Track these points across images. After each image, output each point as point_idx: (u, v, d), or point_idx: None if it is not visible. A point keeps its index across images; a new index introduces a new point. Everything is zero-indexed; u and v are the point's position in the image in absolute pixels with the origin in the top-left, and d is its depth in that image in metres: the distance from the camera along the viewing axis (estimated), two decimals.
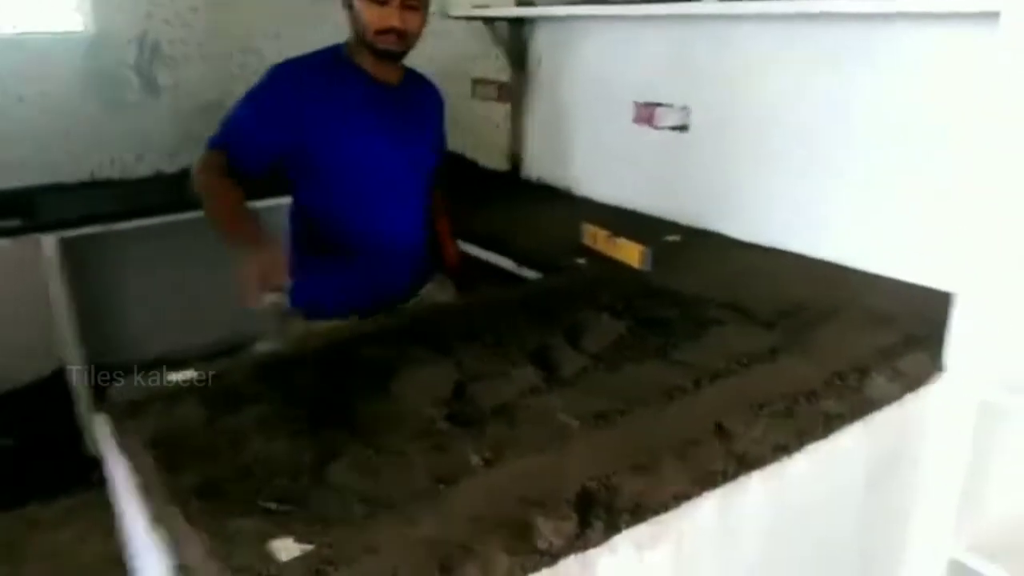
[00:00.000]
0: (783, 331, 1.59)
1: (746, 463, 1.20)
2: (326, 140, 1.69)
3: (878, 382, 1.41)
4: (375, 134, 1.74)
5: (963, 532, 1.55)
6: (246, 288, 1.39)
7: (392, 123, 1.78)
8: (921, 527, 1.58)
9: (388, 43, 1.69)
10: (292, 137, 1.67)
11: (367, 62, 1.76)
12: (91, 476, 2.60)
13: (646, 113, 2.44)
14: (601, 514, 1.05)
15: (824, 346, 1.51)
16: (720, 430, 1.23)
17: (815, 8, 1.81)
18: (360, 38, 1.71)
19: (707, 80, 2.28)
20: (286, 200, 1.89)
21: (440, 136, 2.00)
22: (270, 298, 1.40)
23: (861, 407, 1.37)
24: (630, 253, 1.92)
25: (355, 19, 1.70)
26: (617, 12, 2.32)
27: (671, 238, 2.25)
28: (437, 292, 1.97)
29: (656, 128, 2.43)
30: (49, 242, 2.47)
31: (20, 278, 2.67)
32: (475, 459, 1.13)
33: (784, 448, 1.25)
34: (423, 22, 1.72)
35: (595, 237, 2.08)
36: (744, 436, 1.23)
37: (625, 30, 2.53)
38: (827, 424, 1.31)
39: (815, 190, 2.05)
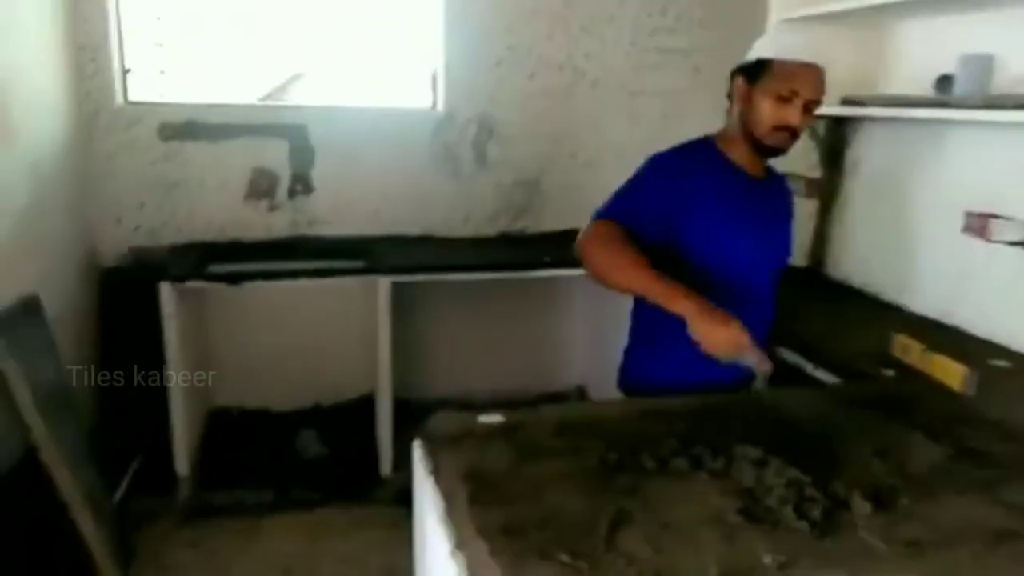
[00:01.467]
0: None
1: None
2: (696, 230, 1.71)
3: None
4: (742, 227, 1.75)
5: None
6: (719, 344, 1.52)
7: (757, 217, 1.78)
8: None
9: (779, 141, 1.70)
10: (666, 225, 1.70)
11: (740, 155, 1.77)
12: (380, 494, 2.93)
13: (979, 224, 2.25)
14: None
15: None
16: None
17: None
18: (747, 131, 1.72)
19: None
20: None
21: (791, 233, 1.96)
22: (747, 360, 1.55)
23: None
24: (950, 373, 1.76)
25: (747, 112, 1.71)
26: (959, 117, 2.18)
27: (998, 363, 2.03)
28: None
29: (990, 241, 2.22)
30: (384, 284, 2.86)
31: (357, 311, 3.12)
32: (768, 560, 1.11)
33: None
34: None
35: (908, 349, 1.94)
36: None
37: (965, 136, 2.36)
38: None
39: None
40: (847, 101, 2.59)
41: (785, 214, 1.91)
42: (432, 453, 1.48)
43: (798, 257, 3.11)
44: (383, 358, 2.92)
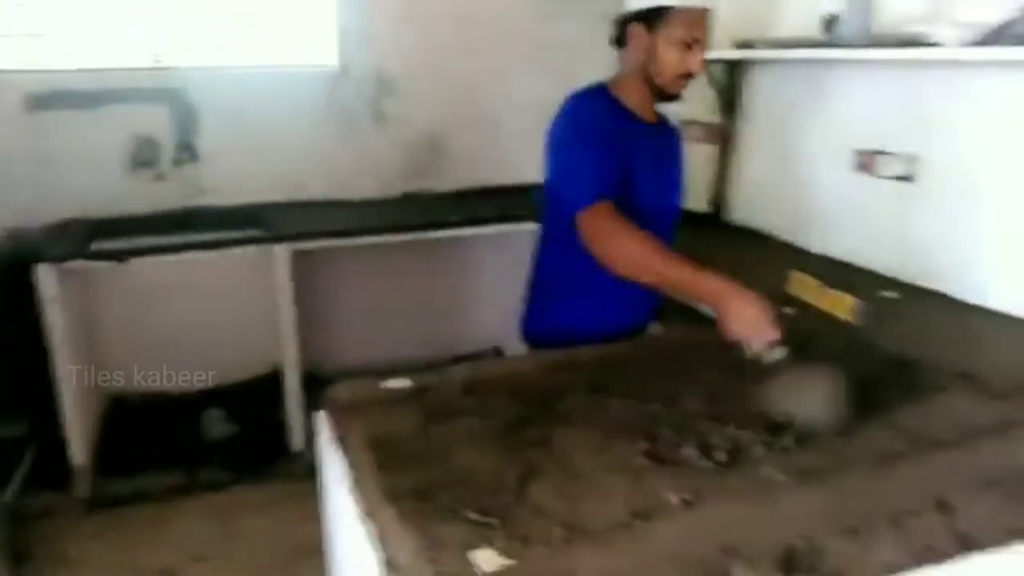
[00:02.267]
0: (1017, 405, 1.44)
1: (970, 544, 1.10)
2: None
3: None
4: (649, 176, 1.73)
5: None
6: (752, 339, 1.43)
7: (658, 164, 1.78)
8: None
9: (681, 87, 1.70)
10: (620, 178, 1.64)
11: (636, 102, 1.74)
12: (293, 469, 2.86)
13: (867, 161, 2.33)
14: (804, 575, 1.01)
15: None
16: (941, 504, 1.14)
17: None
18: (649, 78, 1.70)
19: (940, 129, 2.13)
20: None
21: (684, 175, 1.95)
22: (774, 353, 1.42)
23: None
24: (841, 305, 1.82)
25: (650, 61, 1.68)
26: (847, 56, 2.23)
27: (888, 294, 2.11)
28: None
29: (876, 177, 2.30)
30: (283, 252, 2.75)
31: (254, 283, 2.99)
32: (673, 499, 1.13)
33: (1017, 532, 1.13)
34: None
35: (803, 286, 2.00)
36: (968, 514, 1.13)
37: (852, 75, 2.42)
38: None
39: None
40: (739, 44, 2.61)
41: (678, 157, 1.92)
42: (337, 422, 1.44)
43: (698, 202, 3.16)
44: (287, 330, 2.82)
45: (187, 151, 3.04)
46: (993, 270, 2.01)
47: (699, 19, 1.65)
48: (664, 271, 1.49)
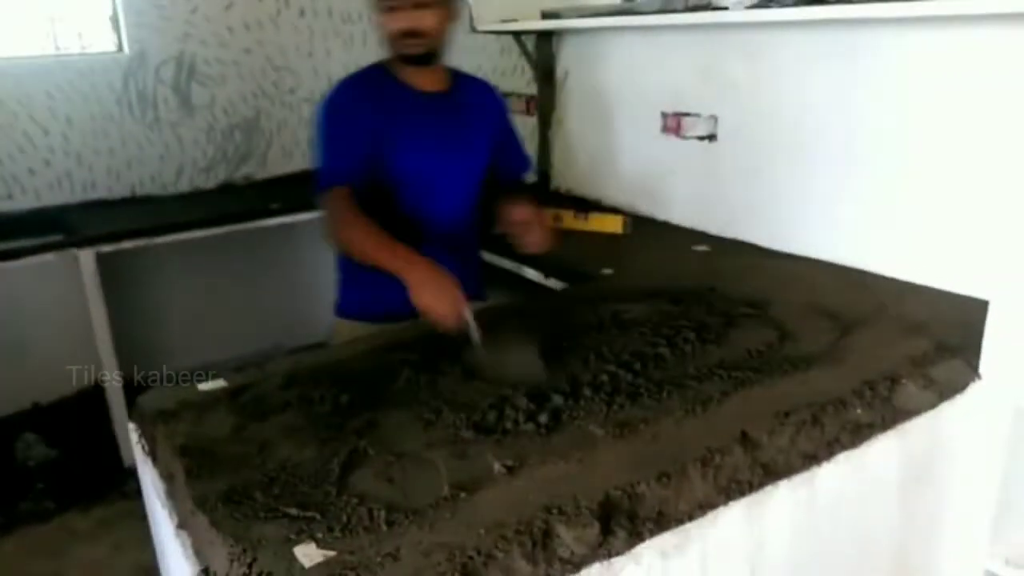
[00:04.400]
0: (809, 341, 1.56)
1: (772, 472, 1.19)
2: (381, 152, 1.72)
3: (910, 390, 1.38)
4: (423, 144, 1.77)
5: (999, 542, 1.51)
6: (440, 313, 1.47)
7: (439, 131, 1.79)
8: (956, 537, 1.54)
9: (410, 46, 1.70)
10: (373, 151, 1.72)
11: (405, 72, 1.77)
12: (126, 487, 2.66)
13: (673, 123, 2.44)
14: (624, 522, 1.04)
15: (854, 355, 1.48)
16: (745, 439, 1.21)
17: (850, 14, 1.78)
18: (389, 48, 1.74)
19: (735, 89, 2.26)
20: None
21: (496, 136, 1.93)
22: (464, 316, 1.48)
23: (892, 416, 1.34)
24: (609, 223, 1.91)
25: (380, 32, 1.72)
26: (644, 23, 2.32)
27: (699, 248, 2.23)
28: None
29: (683, 138, 2.42)
30: (87, 257, 2.54)
31: (60, 292, 2.75)
32: (497, 467, 1.13)
33: (812, 457, 1.23)
34: (441, 20, 1.71)
35: (562, 219, 2.09)
36: (769, 445, 1.21)
37: (653, 41, 2.52)
38: (856, 433, 1.29)
39: (847, 198, 2.02)
40: (546, 15, 2.65)
41: (482, 117, 1.90)
42: (146, 433, 1.35)
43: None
44: (103, 340, 2.61)
45: None
46: (790, 218, 2.17)
47: None
48: (367, 250, 1.63)
